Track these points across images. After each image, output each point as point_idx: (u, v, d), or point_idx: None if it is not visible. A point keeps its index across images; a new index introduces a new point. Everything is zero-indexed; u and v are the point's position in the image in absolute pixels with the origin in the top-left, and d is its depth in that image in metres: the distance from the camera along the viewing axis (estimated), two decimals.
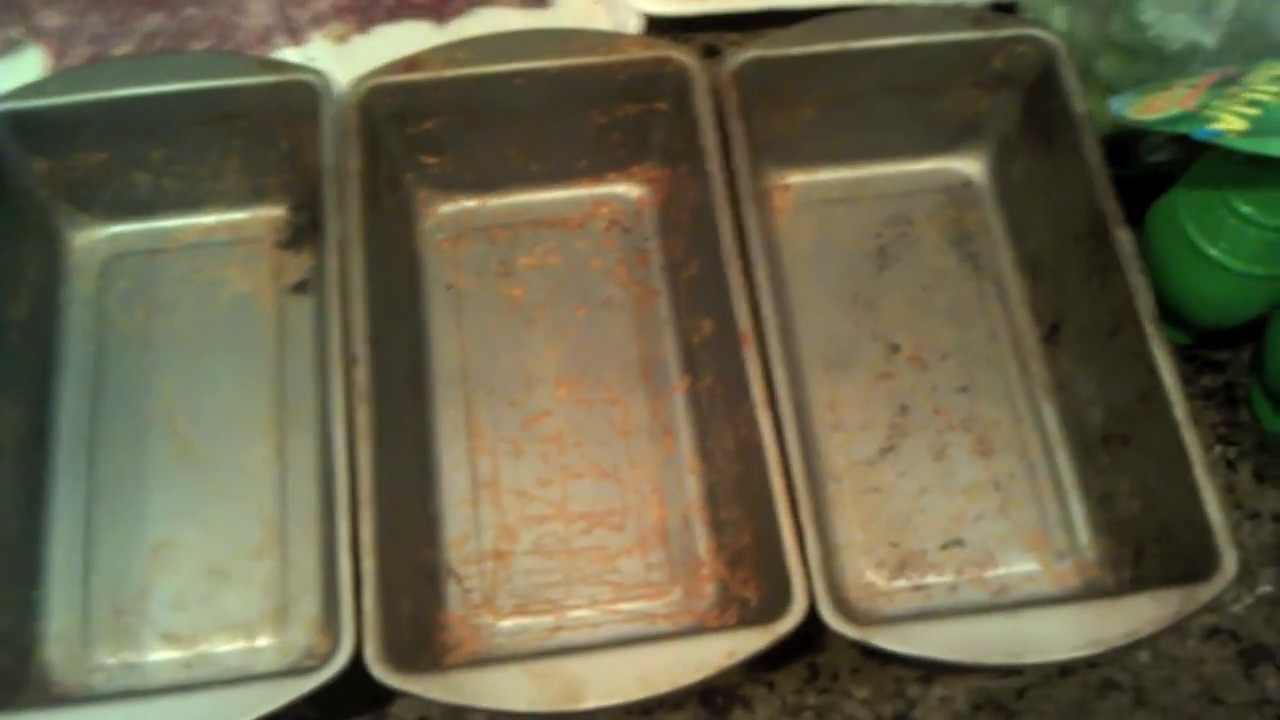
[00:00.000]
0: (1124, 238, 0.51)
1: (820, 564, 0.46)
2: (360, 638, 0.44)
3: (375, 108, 0.55)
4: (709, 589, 0.51)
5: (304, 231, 0.58)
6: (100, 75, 0.57)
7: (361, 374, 0.49)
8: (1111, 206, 0.52)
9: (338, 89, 0.55)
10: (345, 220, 0.53)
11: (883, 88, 0.58)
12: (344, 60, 0.63)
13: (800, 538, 0.46)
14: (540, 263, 0.58)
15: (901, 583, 0.52)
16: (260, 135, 0.57)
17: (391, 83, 0.55)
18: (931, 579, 0.52)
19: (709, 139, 0.55)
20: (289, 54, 0.62)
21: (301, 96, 0.56)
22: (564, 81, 0.56)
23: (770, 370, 0.49)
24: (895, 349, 0.56)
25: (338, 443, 0.48)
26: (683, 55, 0.56)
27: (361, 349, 0.49)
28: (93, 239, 0.60)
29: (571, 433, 0.55)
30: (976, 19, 0.57)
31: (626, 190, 0.61)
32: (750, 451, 0.48)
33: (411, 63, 0.55)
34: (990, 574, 0.52)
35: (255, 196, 0.60)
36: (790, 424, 0.48)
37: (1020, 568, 0.52)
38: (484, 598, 0.51)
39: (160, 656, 0.51)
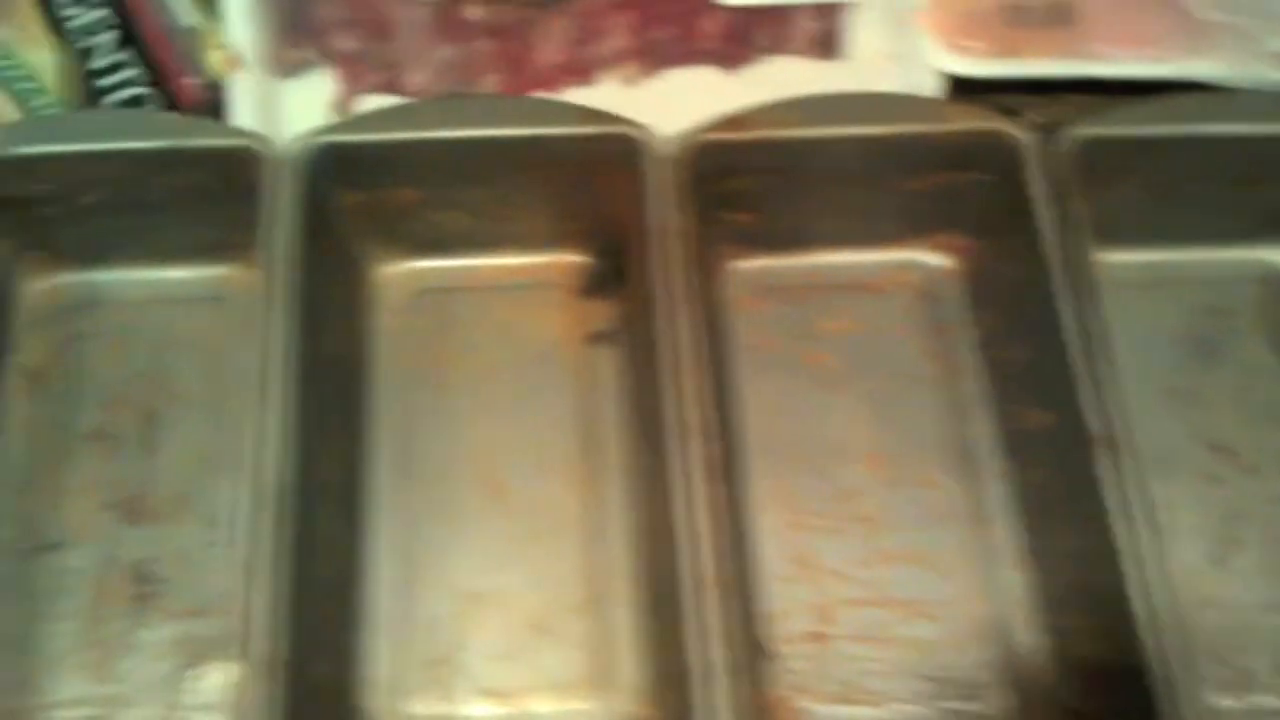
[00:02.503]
0: None
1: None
2: None
3: (697, 163, 0.54)
4: (1042, 697, 0.49)
5: (608, 281, 0.57)
6: (417, 114, 0.57)
7: (705, 446, 0.48)
8: None
9: (657, 142, 0.54)
10: (664, 277, 0.52)
11: (1211, 174, 0.56)
12: (631, 103, 0.61)
13: (1164, 660, 0.44)
14: (841, 328, 0.57)
15: (1229, 702, 0.50)
16: (572, 182, 0.56)
17: (719, 140, 0.54)
18: (1261, 700, 0.50)
19: (1043, 217, 0.53)
20: (577, 94, 0.61)
21: (621, 148, 0.55)
22: (885, 147, 0.55)
23: (1122, 476, 0.47)
24: (1223, 449, 0.54)
25: (678, 518, 0.47)
26: (1014, 129, 0.55)
27: (707, 418, 0.48)
28: (396, 273, 0.60)
29: (885, 513, 0.53)
30: None
31: (931, 258, 0.60)
32: (1100, 559, 0.46)
33: (737, 122, 0.54)
34: None
35: (559, 242, 0.59)
36: (1144, 532, 0.46)
37: None
38: (804, 681, 0.50)
39: (478, 711, 0.51)
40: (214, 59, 0.60)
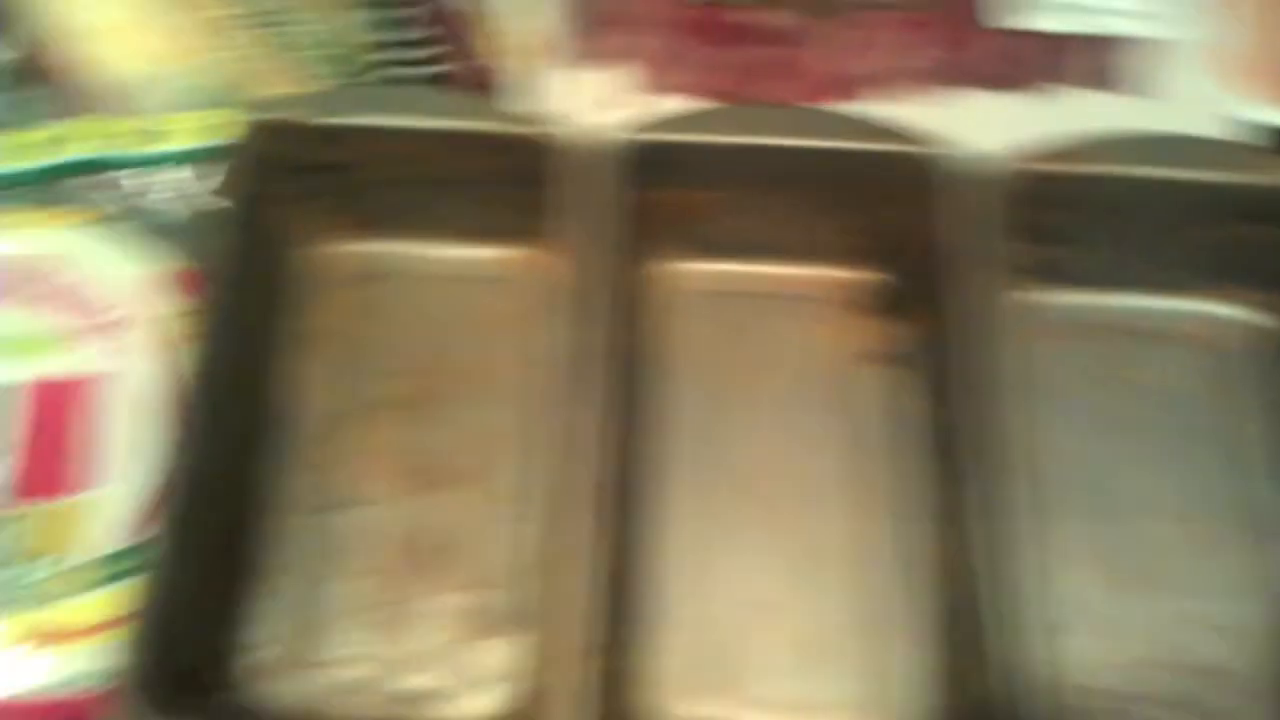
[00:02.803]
0: None
1: None
2: None
3: (1010, 190, 0.55)
4: None
5: (894, 303, 0.58)
6: (717, 118, 0.58)
7: (1005, 483, 0.49)
8: None
9: (962, 163, 0.55)
10: (959, 303, 0.53)
11: None
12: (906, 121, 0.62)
13: None
14: (1144, 377, 0.57)
15: None
16: (863, 196, 0.57)
17: (1036, 170, 0.54)
18: None
19: None
20: (878, 110, 0.62)
21: (921, 166, 0.55)
22: (1201, 193, 0.55)
23: None
24: None
25: (977, 555, 0.48)
26: None
27: (1006, 454, 0.49)
28: (682, 273, 0.61)
29: (1184, 575, 0.54)
30: None
31: (1232, 311, 0.60)
32: None
33: (1065, 154, 0.54)
34: None
35: (844, 257, 0.60)
36: None
37: None
38: None
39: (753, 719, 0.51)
40: (508, 44, 0.61)
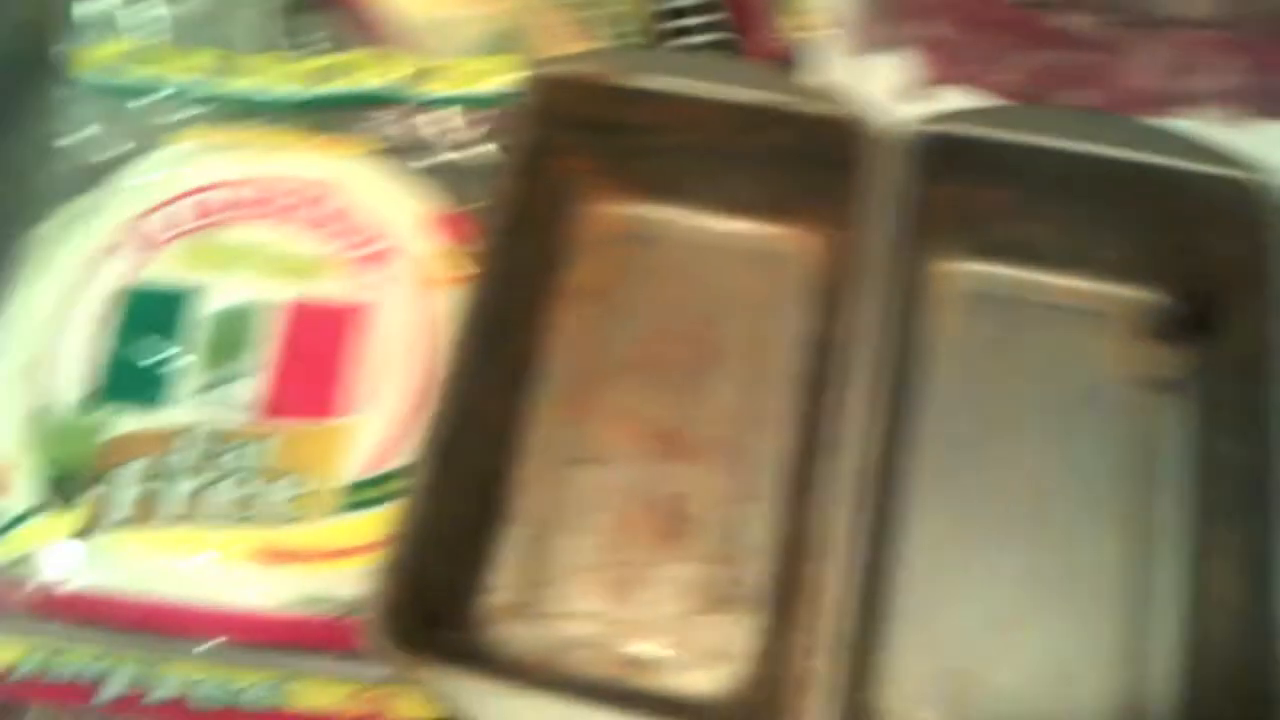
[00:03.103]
0: None
1: None
2: None
3: None
4: None
5: (1187, 327, 0.55)
6: (1021, 117, 0.56)
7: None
8: None
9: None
10: (1271, 340, 0.49)
11: None
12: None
13: None
14: None
15: None
16: (1169, 216, 0.55)
17: None
18: None
19: None
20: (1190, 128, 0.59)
21: (1240, 191, 0.53)
22: None
23: None
24: None
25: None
26: None
27: None
28: (963, 273, 0.59)
29: None
30: None
31: None
32: None
33: None
34: None
35: (1134, 274, 0.57)
36: None
37: None
38: None
39: None
40: (802, 19, 0.60)
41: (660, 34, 0.64)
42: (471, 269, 0.55)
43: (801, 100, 0.54)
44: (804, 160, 0.56)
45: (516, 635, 0.53)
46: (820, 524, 0.48)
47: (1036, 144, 0.54)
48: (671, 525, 0.54)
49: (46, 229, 0.58)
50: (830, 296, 0.56)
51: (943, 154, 0.54)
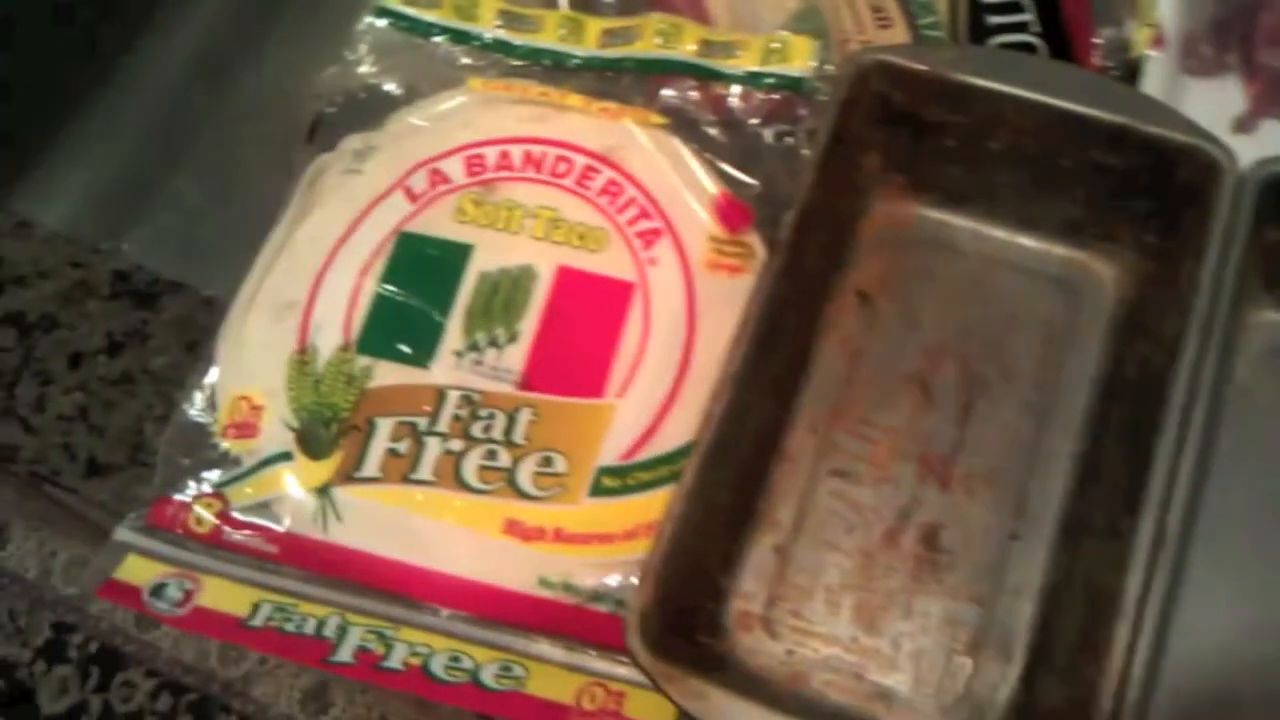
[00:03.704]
0: None
1: None
2: None
3: None
4: None
5: None
6: None
7: None
8: None
9: None
10: None
11: None
12: None
13: None
14: None
15: None
16: None
17: None
18: None
19: None
20: None
21: None
22: None
23: None
24: None
25: None
26: None
27: None
28: (1263, 322, 0.54)
29: None
30: None
31: None
32: None
33: None
34: None
35: None
36: None
37: None
38: None
39: None
40: (1138, 32, 0.55)
41: (976, 28, 0.60)
42: (752, 259, 0.52)
43: (1153, 123, 0.49)
44: (1134, 185, 0.51)
45: (762, 648, 0.50)
46: (1107, 577, 0.45)
47: None
48: (929, 555, 0.51)
49: (325, 160, 0.57)
50: (1133, 333, 0.51)
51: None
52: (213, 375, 0.53)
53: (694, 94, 0.57)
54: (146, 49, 0.79)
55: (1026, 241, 0.55)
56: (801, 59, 0.56)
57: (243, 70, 0.83)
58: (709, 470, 0.46)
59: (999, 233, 0.55)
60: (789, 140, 0.56)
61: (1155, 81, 0.56)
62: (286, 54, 0.84)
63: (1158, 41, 0.55)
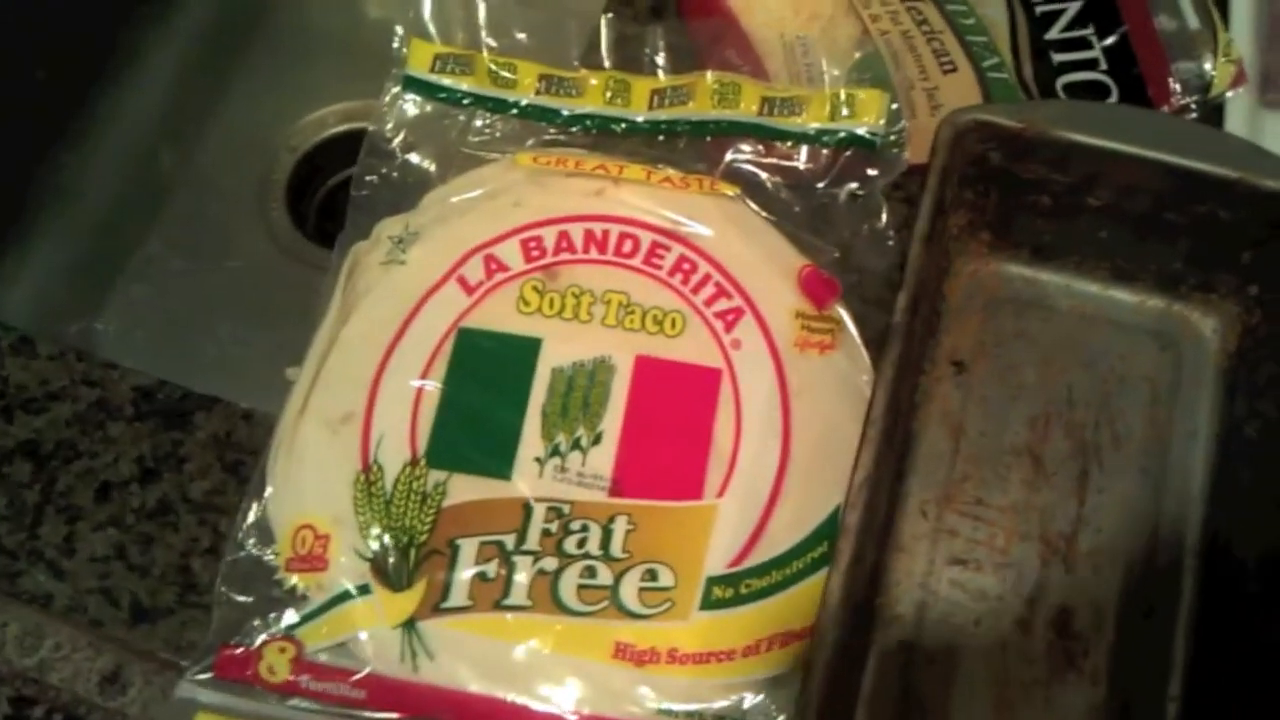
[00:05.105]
0: None
1: None
2: None
3: None
4: None
5: None
6: None
7: None
8: None
9: None
10: None
11: None
12: None
13: None
14: None
15: None
16: None
17: None
18: None
19: None
20: None
21: None
22: None
23: None
24: None
25: None
26: None
27: None
28: None
29: None
30: None
31: None
32: None
33: None
34: None
35: None
36: None
37: None
38: None
39: None
40: (1219, 70, 0.53)
41: (1040, 67, 0.56)
42: (842, 333, 0.50)
43: (1267, 175, 0.47)
44: (1243, 236, 0.48)
45: None
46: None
47: None
48: (1061, 641, 0.48)
49: (361, 248, 0.52)
50: (1246, 389, 0.49)
51: None
52: (265, 500, 0.47)
53: (762, 153, 0.52)
54: (105, 113, 0.72)
55: (1121, 295, 0.52)
56: (871, 114, 0.52)
57: (209, 126, 0.77)
58: (850, 584, 0.42)
59: (1092, 287, 0.53)
60: (862, 201, 0.52)
61: (1238, 118, 0.53)
62: (248, 109, 0.78)
63: (1240, 77, 0.52)
